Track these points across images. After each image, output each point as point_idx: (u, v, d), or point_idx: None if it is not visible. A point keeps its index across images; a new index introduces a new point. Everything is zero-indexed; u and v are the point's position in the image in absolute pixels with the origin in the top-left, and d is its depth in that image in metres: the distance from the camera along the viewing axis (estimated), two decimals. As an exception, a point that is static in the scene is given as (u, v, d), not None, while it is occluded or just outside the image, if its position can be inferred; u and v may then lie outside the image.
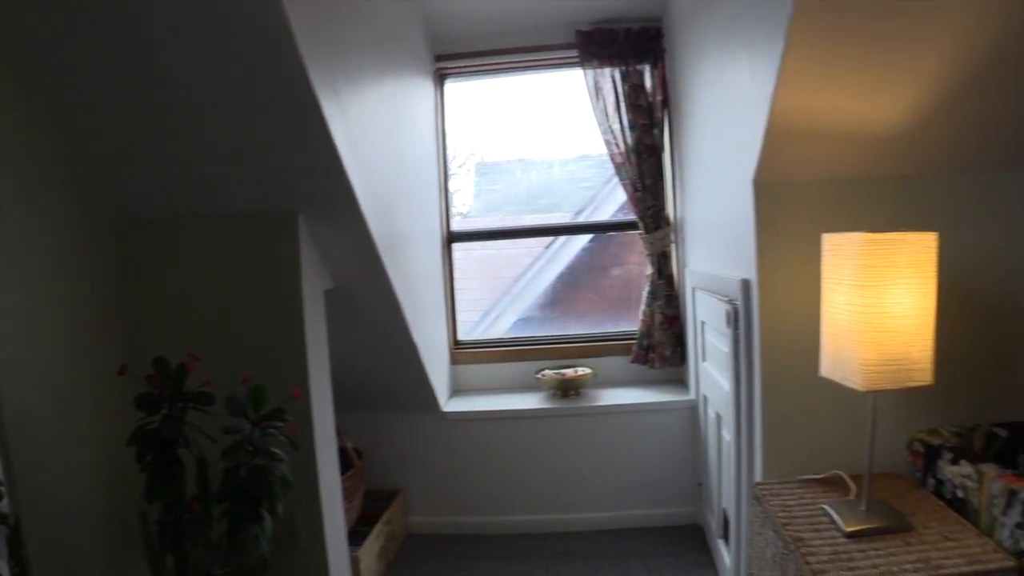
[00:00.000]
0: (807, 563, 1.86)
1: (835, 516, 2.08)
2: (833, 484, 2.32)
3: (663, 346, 3.79)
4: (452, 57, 4.03)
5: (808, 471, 2.41)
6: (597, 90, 3.79)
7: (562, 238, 4.53)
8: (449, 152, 4.25)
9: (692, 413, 3.61)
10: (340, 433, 3.33)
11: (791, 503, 2.23)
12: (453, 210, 4.22)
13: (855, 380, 1.89)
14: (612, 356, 4.02)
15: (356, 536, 3.35)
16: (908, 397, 2.42)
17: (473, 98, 4.33)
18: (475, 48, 4.02)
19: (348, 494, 3.33)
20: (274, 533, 2.21)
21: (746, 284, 2.53)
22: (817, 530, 2.05)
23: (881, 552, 1.90)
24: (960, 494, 2.09)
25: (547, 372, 3.88)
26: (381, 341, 3.29)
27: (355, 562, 3.18)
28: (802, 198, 2.40)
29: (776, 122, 2.18)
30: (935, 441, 2.26)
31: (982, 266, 2.46)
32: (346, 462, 3.42)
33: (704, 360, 3.31)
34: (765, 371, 2.43)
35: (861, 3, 1.81)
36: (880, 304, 1.84)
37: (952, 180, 2.43)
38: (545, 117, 4.42)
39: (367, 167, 2.72)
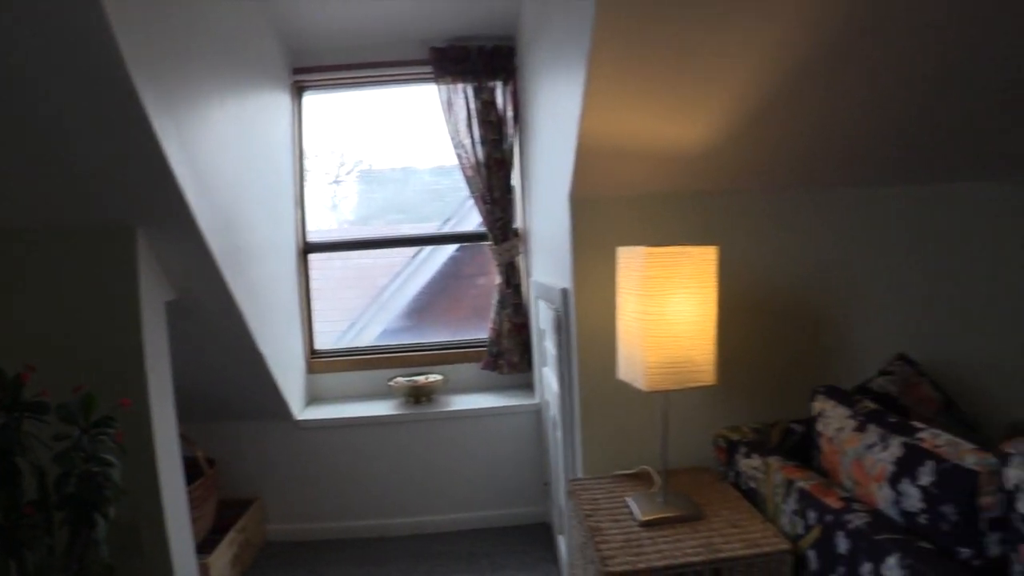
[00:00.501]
0: (598, 550, 2.04)
1: (634, 507, 2.26)
2: (642, 479, 2.50)
3: (511, 352, 3.96)
4: (310, 70, 4.11)
5: (625, 467, 2.60)
6: (450, 105, 3.94)
7: (428, 248, 4.65)
8: (338, 160, 4.33)
9: (537, 416, 3.79)
10: (190, 442, 3.37)
11: (599, 497, 2.41)
12: (340, 218, 4.29)
13: (641, 382, 2.07)
14: (465, 363, 4.17)
15: (210, 544, 3.39)
16: (720, 396, 2.65)
17: (357, 107, 4.42)
18: (334, 62, 4.11)
19: (199, 502, 3.37)
20: (116, 540, 2.27)
21: (565, 293, 2.71)
22: (616, 520, 2.22)
23: (669, 538, 2.09)
24: (752, 485, 2.30)
25: (399, 379, 3.99)
26: (227, 351, 3.35)
27: (205, 569, 3.22)
28: (613, 213, 2.59)
29: (585, 143, 2.35)
30: (735, 437, 2.48)
31: (781, 274, 2.71)
32: (197, 470, 3.45)
33: (545, 365, 3.48)
34: (582, 374, 2.61)
35: (659, 40, 1.99)
36: (662, 312, 2.03)
37: (750, 196, 2.67)
38: (423, 128, 4.52)
39: (207, 181, 2.79)
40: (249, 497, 3.94)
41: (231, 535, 3.54)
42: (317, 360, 4.21)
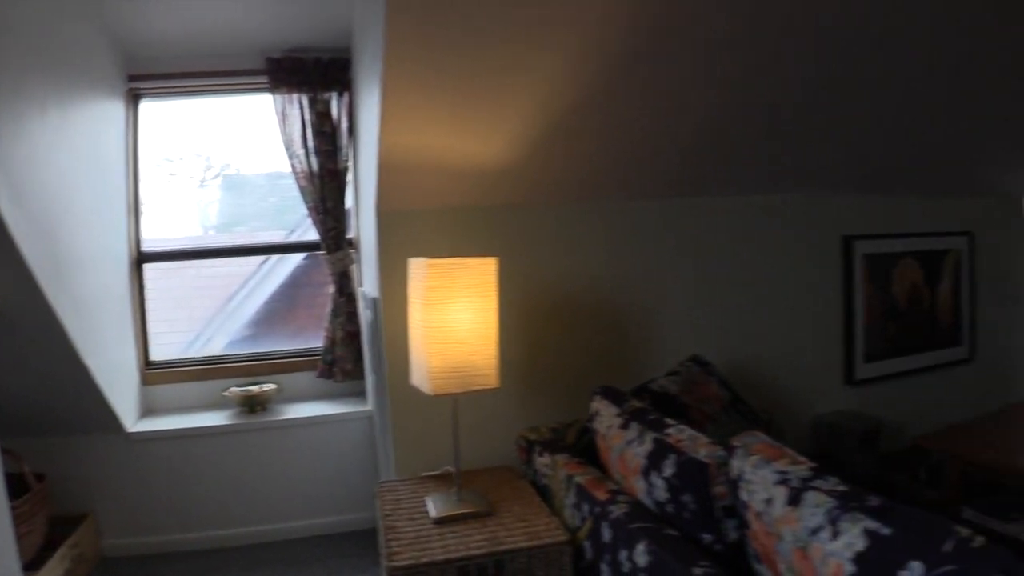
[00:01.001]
0: (388, 547, 2.15)
1: (430, 506, 2.38)
2: (446, 479, 2.63)
3: (345, 360, 4.04)
4: (146, 78, 4.09)
5: (436, 469, 2.72)
6: (284, 115, 3.99)
7: (276, 257, 4.67)
8: (203, 164, 4.31)
9: (369, 422, 3.88)
10: (15, 456, 3.33)
11: (403, 498, 2.53)
12: (207, 223, 4.25)
13: (426, 386, 2.20)
14: (303, 371, 4.22)
15: (40, 561, 3.35)
16: (527, 398, 2.82)
17: (223, 111, 4.40)
18: (171, 69, 4.10)
19: (26, 518, 3.33)
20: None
21: (376, 302, 2.82)
22: (413, 519, 2.34)
23: (458, 534, 2.22)
24: (545, 482, 2.45)
25: (233, 389, 4.02)
26: (51, 363, 3.31)
27: (31, 586, 3.19)
28: (419, 226, 2.72)
29: (385, 157, 2.47)
30: (533, 437, 2.63)
31: (585, 282, 2.90)
32: (24, 486, 3.41)
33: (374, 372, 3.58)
34: (391, 380, 2.72)
35: (451, 59, 2.12)
36: (444, 320, 2.17)
37: (548, 209, 2.85)
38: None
39: (21, 190, 2.77)
40: (83, 512, 3.89)
41: (62, 551, 3.50)
42: (153, 372, 4.19)
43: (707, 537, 1.77)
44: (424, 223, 2.72)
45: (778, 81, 2.67)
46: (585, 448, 2.57)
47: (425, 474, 2.70)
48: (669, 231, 3.08)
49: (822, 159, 3.24)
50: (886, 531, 1.27)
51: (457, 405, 2.35)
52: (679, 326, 3.10)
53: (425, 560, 2.07)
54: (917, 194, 3.83)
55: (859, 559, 1.27)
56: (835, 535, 1.33)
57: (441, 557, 2.08)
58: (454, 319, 2.18)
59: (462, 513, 2.33)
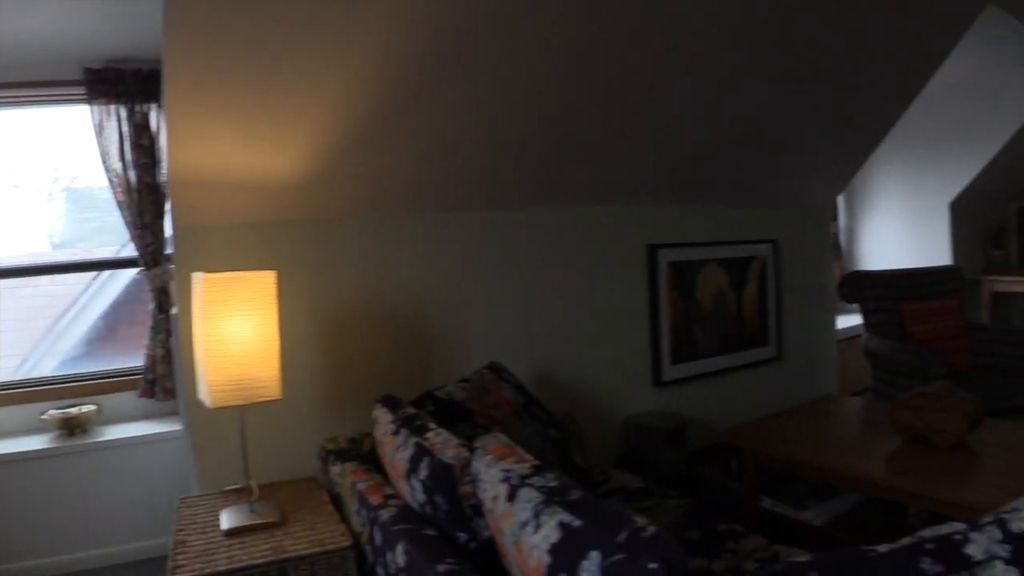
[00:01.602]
0: (174, 560, 2.18)
1: (223, 519, 2.42)
2: (245, 493, 2.66)
3: (166, 379, 4.01)
4: (-43, 88, 3.98)
5: (239, 482, 2.75)
6: (101, 127, 3.94)
7: (107, 273, 4.59)
8: (51, 177, 4.19)
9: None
10: None
11: (200, 513, 2.55)
12: (49, 241, 4.14)
13: (208, 399, 2.24)
14: (127, 391, 4.16)
15: None
16: (335, 408, 2.88)
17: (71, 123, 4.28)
18: (-14, 80, 4.00)
19: None
20: None
21: (173, 318, 2.84)
22: (205, 532, 2.37)
23: (246, 545, 2.26)
24: (337, 490, 2.52)
25: (52, 412, 3.94)
26: None
27: None
28: (216, 241, 2.74)
29: (175, 172, 2.50)
30: (331, 447, 2.70)
31: (392, 294, 2.99)
32: None
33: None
34: (188, 396, 2.74)
35: (236, 67, 2.16)
36: (221, 333, 2.21)
37: (359, 221, 2.93)
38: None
39: None
40: None
41: None
42: (-36, 396, 4.06)
43: (462, 536, 1.87)
44: (221, 238, 2.75)
45: (585, 94, 2.85)
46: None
47: (227, 488, 2.73)
48: (477, 243, 3.19)
49: (629, 171, 3.44)
50: (577, 523, 1.36)
51: (244, 418, 2.39)
52: (487, 336, 3.22)
53: (208, 571, 2.10)
54: (723, 205, 4.07)
55: (553, 550, 1.36)
56: (537, 528, 1.42)
57: (224, 568, 2.12)
58: (233, 332, 2.22)
59: (252, 524, 2.37)
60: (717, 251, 3.98)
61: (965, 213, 6.63)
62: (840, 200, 6.99)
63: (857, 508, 3.18)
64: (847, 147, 4.33)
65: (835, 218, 6.74)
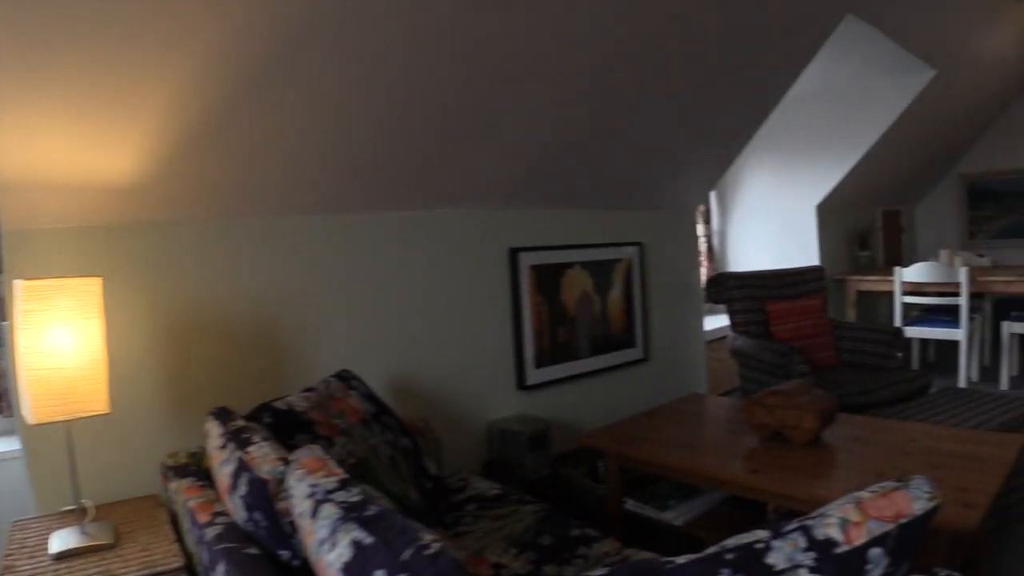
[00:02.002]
0: (-3, 587, 2.07)
1: (52, 543, 2.30)
2: (81, 513, 2.55)
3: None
4: None
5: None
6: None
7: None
8: None
9: (36, 460, 3.70)
10: None
11: (32, 536, 2.42)
12: None
13: (29, 414, 2.14)
14: (-27, 409, 3.95)
15: None
16: (182, 422, 2.77)
17: None
18: None
19: None
20: None
21: (2, 328, 2.70)
22: (34, 556, 2.24)
23: (74, 569, 2.16)
24: (175, 507, 2.43)
25: None
26: None
27: None
28: (51, 246, 2.61)
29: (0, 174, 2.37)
30: (171, 462, 2.60)
31: (239, 301, 2.91)
32: None
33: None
34: (20, 414, 2.61)
35: (61, 62, 2.05)
36: (41, 344, 2.11)
37: (200, 226, 2.83)
38: None
39: None
40: None
41: None
42: None
43: (284, 553, 1.82)
44: (51, 243, 2.62)
45: (442, 94, 2.83)
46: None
47: (64, 509, 2.61)
48: (330, 247, 3.13)
49: (489, 174, 3.44)
50: (369, 540, 1.32)
51: (72, 434, 2.29)
52: (344, 343, 3.16)
53: (24, 599, 2.01)
54: (588, 208, 4.13)
55: (346, 569, 1.32)
56: (333, 546, 1.38)
57: (43, 594, 2.03)
58: (55, 344, 2.13)
59: (83, 547, 2.27)
60: (581, 254, 4.03)
61: (833, 215, 6.91)
62: (713, 203, 7.17)
63: (719, 506, 3.25)
64: (712, 151, 4.45)
65: (708, 221, 6.92)
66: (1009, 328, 6.16)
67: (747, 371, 4.57)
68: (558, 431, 3.82)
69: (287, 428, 2.42)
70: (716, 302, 4.78)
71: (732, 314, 4.72)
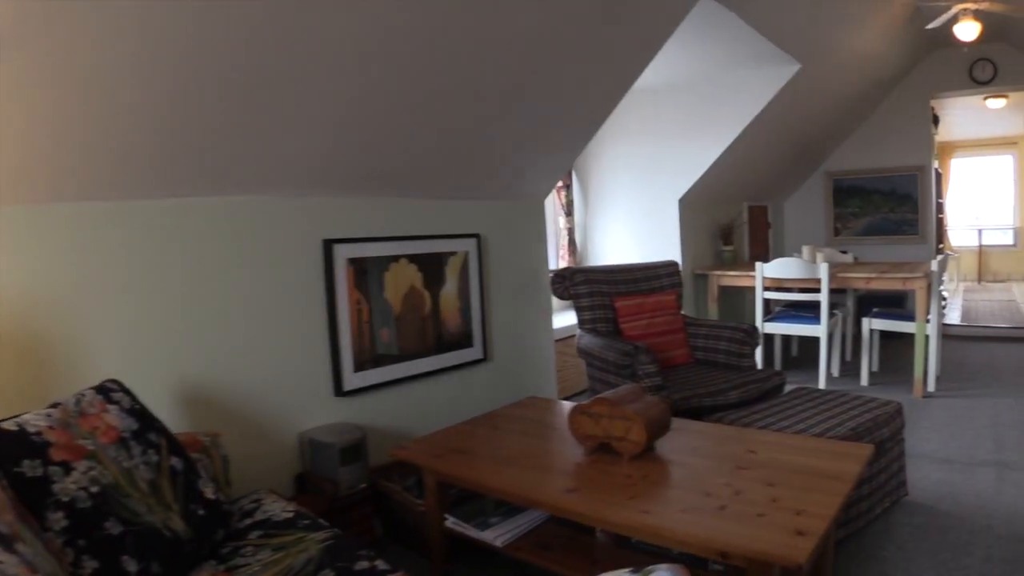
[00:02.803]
0: None
1: None
2: None
3: None
4: None
5: None
6: None
7: None
8: None
9: None
10: None
11: None
12: None
13: None
14: None
15: None
16: None
17: None
18: None
19: None
20: None
21: None
22: None
23: None
24: None
25: None
26: None
27: None
28: None
29: None
30: None
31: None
32: None
33: None
34: None
35: None
36: None
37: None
38: None
39: None
40: None
41: None
42: None
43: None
44: None
45: (230, 59, 2.46)
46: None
47: None
48: (103, 241, 2.71)
49: (299, 157, 3.09)
50: None
51: None
52: (119, 350, 2.74)
53: None
54: (420, 197, 3.82)
55: None
56: None
57: None
58: None
59: None
60: (409, 246, 3.71)
61: (696, 209, 6.82)
62: (576, 194, 6.99)
63: (546, 524, 2.97)
64: (560, 138, 4.21)
65: (571, 213, 6.72)
66: (869, 324, 6.17)
67: (594, 371, 4.35)
68: (384, 440, 3.51)
69: (10, 454, 2.04)
70: (562, 298, 4.54)
71: (579, 311, 4.49)
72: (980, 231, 14.12)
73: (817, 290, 5.84)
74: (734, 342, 4.43)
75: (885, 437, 3.31)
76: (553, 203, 6.78)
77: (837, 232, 9.12)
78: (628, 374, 3.87)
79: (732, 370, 4.32)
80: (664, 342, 4.44)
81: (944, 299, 10.12)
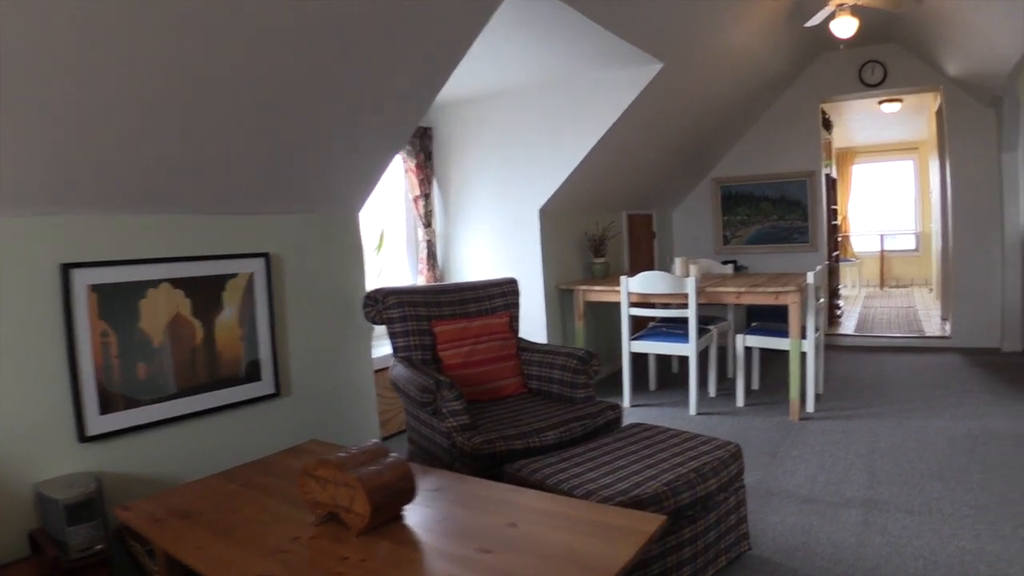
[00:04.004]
0: None
1: None
2: None
3: None
4: None
5: None
6: None
7: None
8: None
9: None
10: None
11: None
12: None
13: None
14: None
15: None
16: None
17: None
18: None
19: None
20: None
21: None
22: None
23: None
24: None
25: None
26: None
27: None
28: None
29: None
30: None
31: None
32: None
33: None
34: None
35: None
36: None
37: None
38: None
39: None
40: None
41: None
42: None
43: None
44: None
45: None
46: None
47: None
48: None
49: (27, 171, 2.71)
50: None
51: None
52: None
53: None
54: (187, 213, 3.42)
55: None
56: None
57: None
58: None
59: None
60: (174, 269, 3.30)
61: (562, 219, 6.58)
62: (437, 204, 6.69)
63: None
64: (369, 144, 3.88)
65: (430, 224, 6.40)
66: (743, 341, 5.96)
67: (407, 408, 4.02)
68: (148, 491, 3.12)
69: None
70: (373, 322, 4.16)
71: (392, 337, 4.11)
72: (882, 237, 14.19)
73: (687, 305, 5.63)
74: (567, 370, 4.09)
75: (712, 490, 2.99)
76: (411, 213, 6.46)
77: (726, 241, 8.97)
78: (431, 411, 3.55)
79: (564, 403, 4.01)
80: (490, 371, 4.12)
81: (839, 308, 10.07)
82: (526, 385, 4.28)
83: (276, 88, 3.12)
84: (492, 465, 3.34)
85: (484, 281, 4.62)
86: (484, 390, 4.05)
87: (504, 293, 4.54)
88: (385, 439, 4.73)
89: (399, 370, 3.91)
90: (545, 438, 3.50)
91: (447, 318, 4.21)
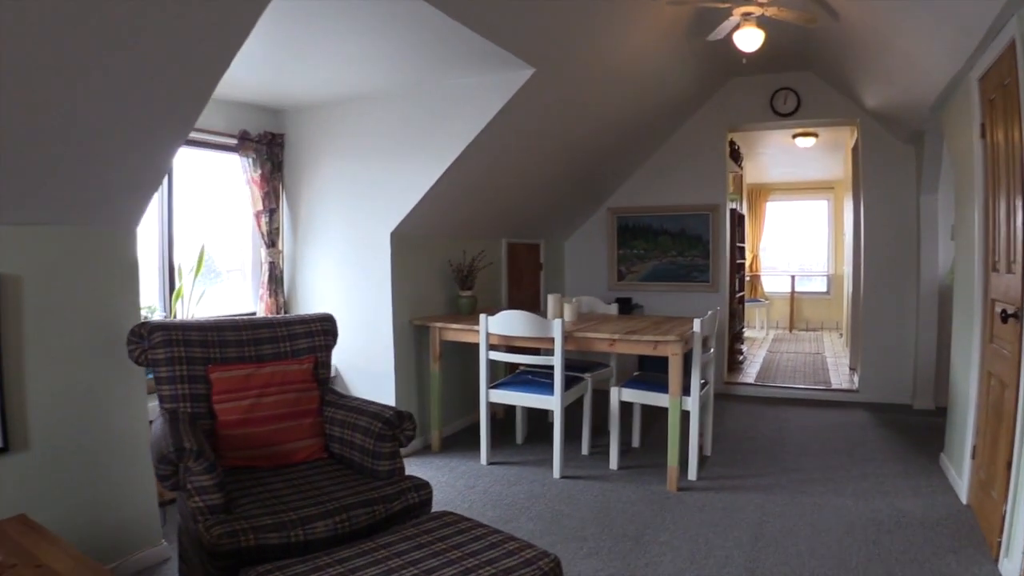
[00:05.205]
0: None
1: None
2: None
3: None
4: None
5: None
6: None
7: None
8: None
9: None
10: None
11: None
12: None
13: None
14: None
15: None
16: None
17: None
18: None
19: None
20: None
21: None
22: None
23: None
24: None
25: None
26: None
27: None
28: None
29: None
30: None
31: None
32: None
33: None
34: None
35: None
36: None
37: None
38: None
39: None
40: None
41: None
42: None
43: None
44: None
45: None
46: None
47: None
48: None
49: None
50: None
51: None
52: None
53: None
54: None
55: None
56: None
57: None
58: None
59: None
60: None
61: (421, 245, 5.86)
62: (285, 221, 5.94)
63: None
64: (141, 142, 3.13)
65: (274, 243, 5.64)
66: (619, 395, 5.24)
67: (164, 474, 3.22)
68: None
69: None
70: (137, 363, 3.34)
71: (158, 383, 3.31)
72: (794, 278, 13.81)
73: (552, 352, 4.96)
74: (371, 435, 3.30)
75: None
76: (253, 230, 5.70)
77: (621, 276, 8.38)
78: (171, 487, 2.79)
79: (364, 476, 3.23)
80: (277, 431, 3.34)
81: (742, 353, 9.56)
82: (327, 448, 3.51)
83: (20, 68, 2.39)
84: (239, 564, 2.58)
85: (290, 317, 3.83)
86: (267, 454, 3.30)
87: (311, 333, 3.76)
88: (163, 505, 3.91)
89: (156, 426, 3.11)
90: (312, 530, 2.73)
91: (230, 362, 3.42)
